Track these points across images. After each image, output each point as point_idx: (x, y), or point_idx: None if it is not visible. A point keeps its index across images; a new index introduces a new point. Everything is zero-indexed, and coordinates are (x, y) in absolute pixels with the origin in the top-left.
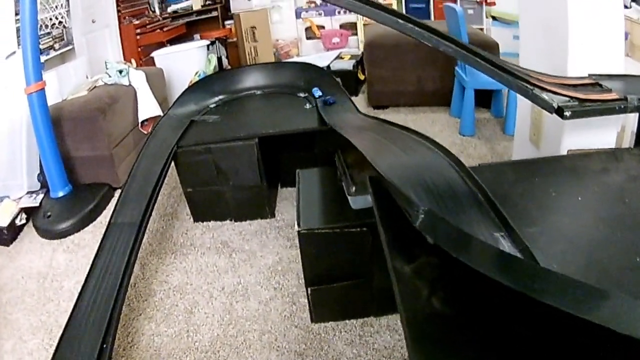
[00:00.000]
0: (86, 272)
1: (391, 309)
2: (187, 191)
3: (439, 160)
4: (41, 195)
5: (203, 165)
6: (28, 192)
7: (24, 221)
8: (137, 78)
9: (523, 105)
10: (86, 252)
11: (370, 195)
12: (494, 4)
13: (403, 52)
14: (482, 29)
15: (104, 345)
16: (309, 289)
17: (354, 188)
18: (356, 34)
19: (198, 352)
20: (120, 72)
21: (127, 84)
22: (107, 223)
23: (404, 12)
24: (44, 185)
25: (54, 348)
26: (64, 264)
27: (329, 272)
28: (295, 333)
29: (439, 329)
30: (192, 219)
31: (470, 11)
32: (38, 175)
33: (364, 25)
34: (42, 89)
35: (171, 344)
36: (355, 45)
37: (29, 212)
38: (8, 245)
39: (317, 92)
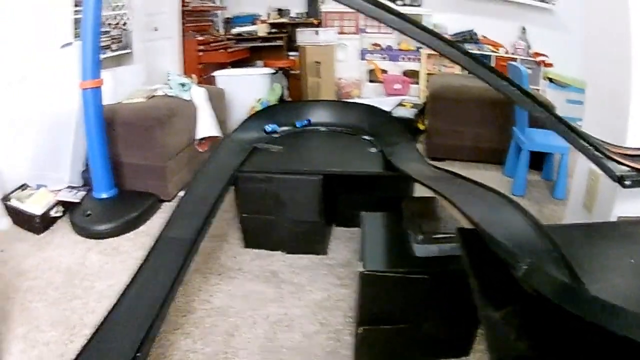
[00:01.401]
0: (122, 278)
1: (435, 356)
2: (243, 216)
3: (517, 216)
4: (83, 193)
5: (263, 193)
6: (68, 187)
7: (59, 214)
8: (199, 95)
9: (580, 171)
10: (123, 258)
11: (460, 245)
12: (551, 65)
13: (465, 107)
14: (538, 90)
15: (138, 354)
16: (360, 329)
17: (420, 237)
18: (417, 83)
19: None
20: (183, 85)
21: (188, 99)
22: (156, 234)
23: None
24: (87, 183)
25: (74, 344)
26: (97, 265)
27: (382, 314)
28: None
29: None
30: (242, 245)
31: (529, 71)
32: (83, 172)
33: (427, 74)
34: (99, 87)
35: None
36: (416, 93)
37: (67, 206)
38: (38, 234)
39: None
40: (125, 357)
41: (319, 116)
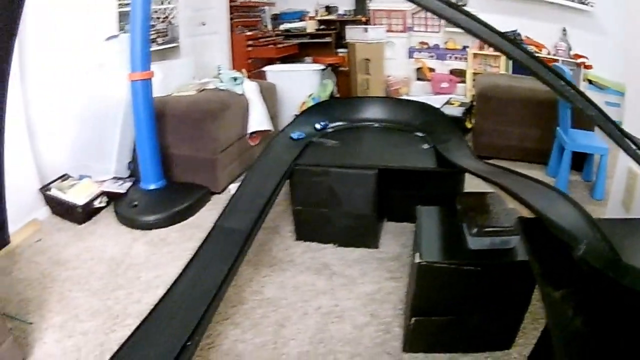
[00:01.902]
0: (170, 269)
1: (478, 348)
2: (296, 209)
3: (569, 206)
4: (129, 184)
5: (318, 186)
6: (114, 178)
7: (103, 204)
8: (251, 89)
9: (620, 170)
10: (172, 248)
11: (521, 233)
12: (590, 67)
13: (511, 106)
14: None
15: (188, 342)
16: (412, 319)
17: (474, 230)
18: (464, 82)
19: None
20: (235, 79)
21: (241, 92)
22: (209, 225)
23: (510, 69)
24: (134, 174)
25: (115, 334)
26: (143, 256)
27: (434, 306)
28: (386, 359)
29: (582, 345)
30: (293, 237)
31: (570, 73)
32: (129, 163)
33: (473, 73)
34: (149, 79)
35: (255, 353)
36: (462, 92)
37: (112, 197)
38: (79, 224)
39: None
40: (176, 344)
41: (373, 112)
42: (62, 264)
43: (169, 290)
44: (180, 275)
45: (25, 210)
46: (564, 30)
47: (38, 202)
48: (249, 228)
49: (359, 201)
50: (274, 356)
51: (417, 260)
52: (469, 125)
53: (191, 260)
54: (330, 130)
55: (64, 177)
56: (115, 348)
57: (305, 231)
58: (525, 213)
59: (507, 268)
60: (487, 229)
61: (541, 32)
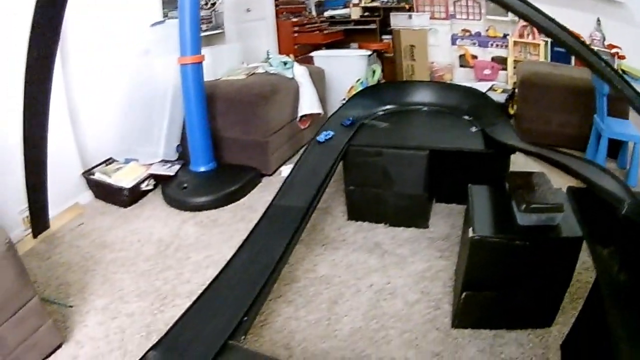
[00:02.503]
0: (222, 249)
1: (521, 325)
2: (349, 189)
3: (609, 177)
4: (177, 166)
5: (371, 166)
6: (162, 161)
7: (150, 187)
8: (301, 73)
9: None
10: (222, 229)
11: (571, 200)
12: (624, 57)
13: (552, 93)
14: None
15: (245, 318)
16: (463, 294)
17: (523, 206)
18: (505, 69)
19: (336, 340)
20: (285, 63)
21: (291, 76)
22: (267, 203)
23: (549, 55)
24: (182, 157)
25: (164, 314)
26: (194, 237)
27: (484, 280)
28: (434, 335)
29: (627, 296)
30: (345, 217)
31: None
32: (178, 146)
33: (514, 61)
34: (200, 63)
35: (308, 329)
36: (504, 79)
37: (159, 180)
38: (125, 207)
39: None
40: (233, 319)
41: (421, 96)
42: (106, 247)
43: (225, 266)
44: (237, 251)
45: (67, 195)
46: (598, 20)
47: (80, 186)
48: (306, 206)
49: (410, 181)
50: (327, 333)
51: (471, 234)
52: (511, 112)
53: (248, 237)
54: (380, 113)
55: (108, 161)
56: (163, 329)
57: (357, 211)
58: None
59: (552, 244)
60: (534, 206)
61: (577, 22)
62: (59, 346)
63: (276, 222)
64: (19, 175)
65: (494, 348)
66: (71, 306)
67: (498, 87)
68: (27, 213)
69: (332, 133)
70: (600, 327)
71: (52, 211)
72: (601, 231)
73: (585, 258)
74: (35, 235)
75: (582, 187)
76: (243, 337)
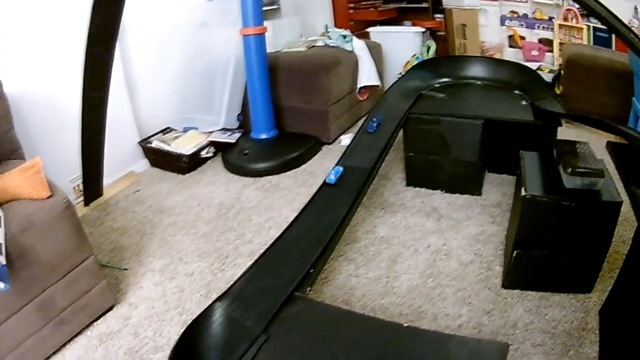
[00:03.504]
0: (284, 211)
1: (564, 289)
2: (408, 155)
3: None
4: (238, 134)
5: (429, 134)
6: (222, 129)
7: (210, 155)
8: (360, 46)
9: None
10: (284, 194)
11: (610, 153)
12: None
13: (594, 75)
14: None
15: (310, 270)
16: (515, 251)
17: (570, 169)
18: (551, 51)
19: (394, 297)
20: (344, 37)
21: (350, 49)
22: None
23: (591, 39)
24: (242, 126)
25: (224, 273)
26: (255, 200)
27: (534, 240)
28: (486, 294)
29: None
30: (404, 183)
31: None
32: (238, 115)
33: (560, 43)
34: (262, 34)
35: (368, 286)
36: (550, 61)
37: (219, 147)
38: (183, 174)
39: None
40: (299, 272)
41: (475, 71)
42: (164, 211)
43: (292, 222)
44: (304, 209)
45: (122, 164)
46: (636, 8)
47: (136, 155)
48: (370, 167)
49: (466, 149)
50: (386, 289)
51: (523, 193)
52: (558, 92)
53: (314, 196)
54: (437, 85)
55: (165, 130)
56: (224, 287)
57: (415, 177)
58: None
59: (594, 206)
60: (579, 170)
61: (615, 10)
62: (110, 308)
63: (341, 182)
64: (72, 144)
65: (540, 309)
66: (125, 269)
67: (545, 67)
68: (78, 182)
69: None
70: (637, 294)
71: (106, 179)
72: (637, 176)
73: (622, 232)
74: (87, 203)
75: (621, 142)
76: (308, 288)
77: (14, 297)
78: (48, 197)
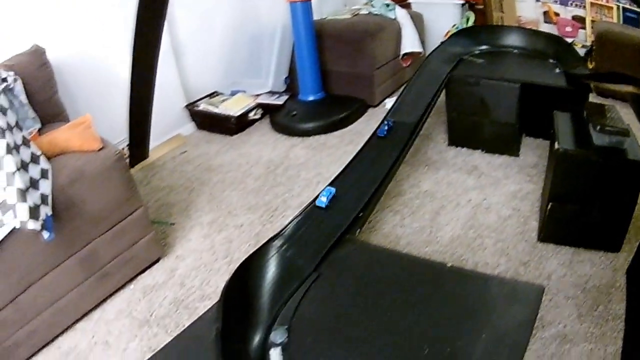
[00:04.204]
0: (332, 167)
1: (595, 246)
2: (451, 115)
3: None
4: (285, 97)
5: (470, 95)
6: (269, 92)
7: (258, 116)
8: (402, 15)
9: None
10: (331, 152)
11: (632, 105)
12: None
13: (623, 51)
14: None
15: (360, 214)
16: (550, 204)
17: (598, 127)
18: (584, 28)
19: (437, 246)
20: (387, 5)
21: (393, 17)
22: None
23: (621, 18)
24: (288, 89)
25: (273, 224)
26: (304, 158)
27: (567, 193)
28: (523, 246)
29: None
30: (446, 143)
31: None
32: (286, 78)
33: (592, 21)
34: (308, 1)
35: (412, 236)
36: (583, 38)
37: (267, 109)
38: (231, 135)
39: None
40: (349, 215)
41: (512, 40)
42: (212, 170)
43: (343, 170)
44: (356, 156)
45: (168, 127)
46: None
47: (182, 119)
48: (416, 121)
49: (504, 111)
50: (429, 239)
51: (556, 147)
52: (590, 66)
53: (364, 146)
54: (476, 52)
55: (212, 94)
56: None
57: (458, 137)
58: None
59: (620, 163)
60: (607, 128)
61: None
62: (157, 261)
63: (389, 135)
64: (115, 108)
65: (573, 264)
66: (173, 224)
67: (578, 42)
68: (122, 145)
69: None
70: None
71: (152, 143)
72: None
73: None
74: (132, 166)
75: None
76: (358, 231)
77: (57, 250)
78: (100, 149)
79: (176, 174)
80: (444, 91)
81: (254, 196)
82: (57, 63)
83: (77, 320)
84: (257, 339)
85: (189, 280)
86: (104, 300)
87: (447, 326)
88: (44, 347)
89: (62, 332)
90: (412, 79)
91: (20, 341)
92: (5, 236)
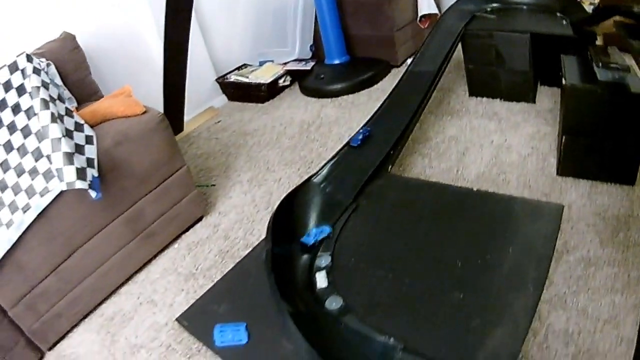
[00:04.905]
0: (362, 122)
1: (611, 178)
2: (469, 67)
3: None
4: (312, 63)
5: (485, 47)
6: (296, 60)
7: (287, 83)
8: None
9: None
10: (360, 109)
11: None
12: None
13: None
14: None
15: (391, 152)
16: (563, 137)
17: (601, 64)
18: None
19: (464, 182)
20: None
21: None
22: (404, 72)
23: None
24: (315, 56)
25: (309, 175)
26: (334, 116)
27: (578, 126)
28: (543, 180)
29: None
30: (467, 94)
31: None
32: (311, 45)
33: None
34: None
35: (441, 175)
36: None
37: (295, 75)
38: (263, 102)
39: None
40: (382, 152)
41: None
42: (247, 134)
43: (376, 111)
44: (384, 103)
45: (200, 101)
46: None
47: (213, 92)
48: (436, 70)
49: (517, 60)
50: (456, 177)
51: (564, 82)
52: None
53: (389, 95)
54: (488, 9)
55: (241, 67)
56: None
57: (477, 87)
58: None
59: (623, 97)
60: (610, 64)
61: None
62: (199, 219)
63: (414, 82)
64: (147, 85)
65: (591, 195)
66: (214, 185)
67: (586, 0)
68: None
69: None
70: None
71: (186, 116)
72: None
73: None
74: None
75: None
76: (390, 167)
77: (104, 212)
78: (142, 113)
79: (212, 141)
80: (460, 47)
81: (290, 153)
82: (87, 48)
83: (121, 285)
84: (303, 264)
85: (232, 232)
86: (149, 261)
87: (477, 243)
88: (86, 315)
89: (106, 299)
90: (429, 34)
91: (62, 311)
92: (50, 203)
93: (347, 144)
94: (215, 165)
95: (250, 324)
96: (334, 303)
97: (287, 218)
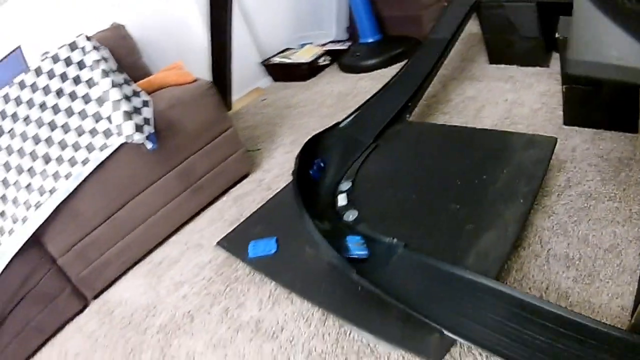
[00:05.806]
0: None
1: (616, 126)
2: (486, 36)
3: None
4: (348, 43)
5: (498, 17)
6: (333, 41)
7: (327, 62)
8: None
9: None
10: None
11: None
12: None
13: None
14: None
15: (409, 104)
16: (564, 86)
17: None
18: None
19: None
20: None
21: None
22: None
23: None
24: (351, 37)
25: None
26: (368, 87)
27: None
28: (550, 128)
29: None
30: (487, 62)
31: None
32: (347, 27)
33: None
34: None
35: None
36: None
37: (334, 55)
38: (305, 80)
39: None
40: (400, 103)
41: None
42: (290, 107)
43: (403, 66)
44: (407, 62)
45: (248, 82)
46: None
47: (258, 75)
48: (450, 37)
49: (528, 27)
50: (473, 125)
51: (557, 35)
52: None
53: (416, 52)
54: None
55: (284, 50)
56: None
57: (495, 55)
58: None
59: None
60: None
61: None
62: (245, 176)
63: (431, 48)
64: (196, 67)
65: (595, 141)
66: (259, 149)
67: None
68: None
69: None
70: None
71: (234, 97)
72: None
73: None
74: None
75: None
76: (408, 116)
77: (158, 165)
78: (193, 82)
79: (258, 115)
80: (477, 19)
81: (329, 119)
82: (137, 37)
83: (170, 235)
84: (327, 188)
85: (275, 184)
86: (197, 214)
87: (476, 167)
88: (134, 264)
89: (154, 248)
90: (447, 6)
91: (112, 259)
92: (108, 157)
93: (373, 96)
94: (261, 134)
95: (280, 237)
96: (350, 215)
97: (314, 151)
